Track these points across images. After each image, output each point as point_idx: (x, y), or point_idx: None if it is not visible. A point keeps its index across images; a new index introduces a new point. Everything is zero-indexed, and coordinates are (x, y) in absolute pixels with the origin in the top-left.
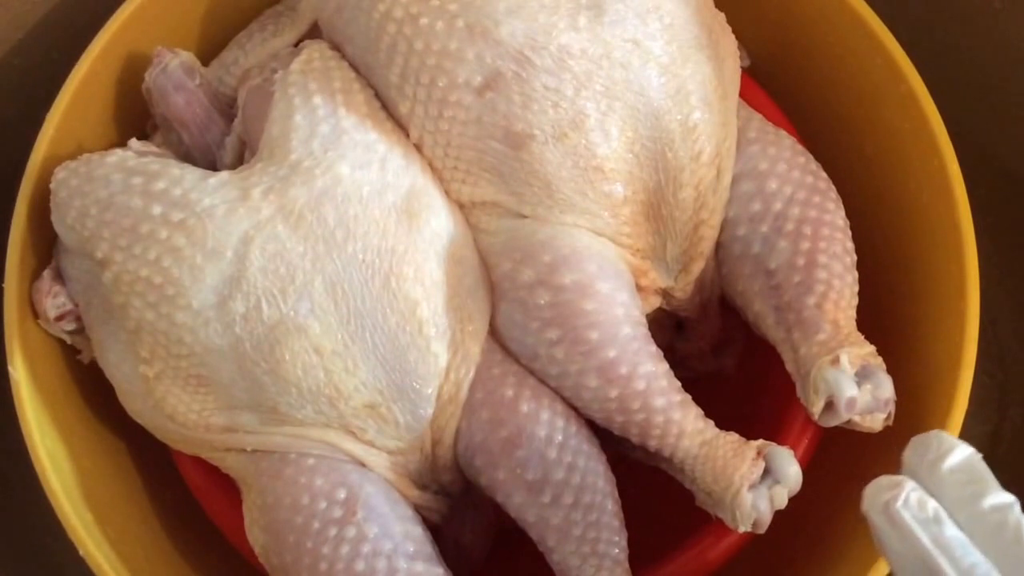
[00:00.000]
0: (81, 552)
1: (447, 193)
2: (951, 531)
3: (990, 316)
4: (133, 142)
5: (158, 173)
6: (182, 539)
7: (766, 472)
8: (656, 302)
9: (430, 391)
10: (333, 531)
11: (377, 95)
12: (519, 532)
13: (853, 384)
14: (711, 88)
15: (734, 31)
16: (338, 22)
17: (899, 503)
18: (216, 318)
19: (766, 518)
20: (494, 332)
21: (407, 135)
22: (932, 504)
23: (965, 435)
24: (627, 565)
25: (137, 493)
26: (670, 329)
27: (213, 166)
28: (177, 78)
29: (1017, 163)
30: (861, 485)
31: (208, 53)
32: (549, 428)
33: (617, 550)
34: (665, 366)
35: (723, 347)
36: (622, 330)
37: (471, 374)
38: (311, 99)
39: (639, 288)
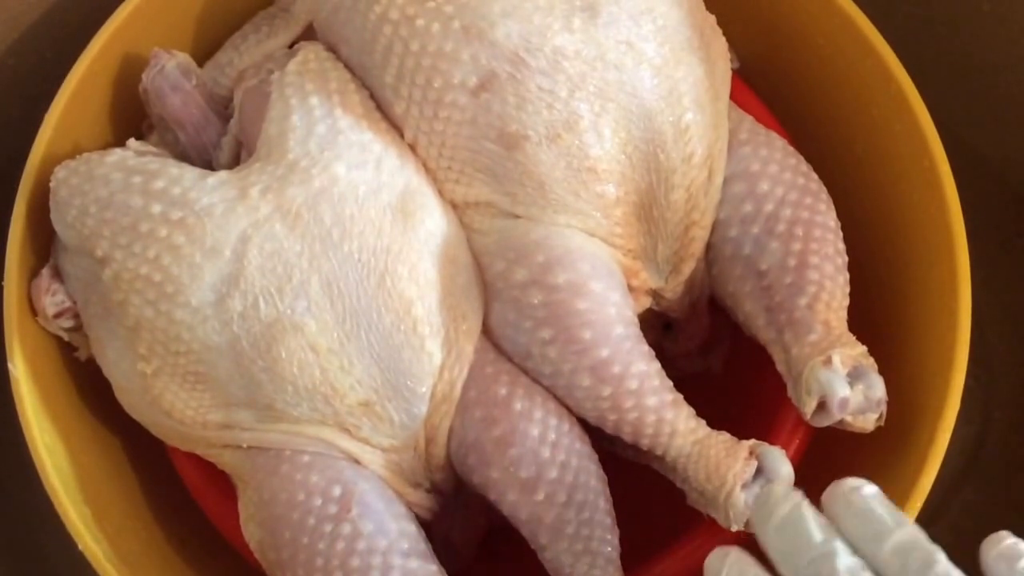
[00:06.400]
0: (80, 547)
1: (441, 193)
2: None
3: (976, 318)
4: (132, 142)
5: (157, 172)
6: (178, 535)
7: (759, 471)
8: (646, 302)
9: (424, 390)
10: (328, 527)
11: (372, 96)
12: (508, 531)
13: (845, 384)
14: (703, 90)
15: (724, 33)
16: (334, 24)
17: None
18: (214, 316)
19: None
20: (487, 331)
21: (402, 136)
22: None
23: (951, 436)
24: (619, 563)
25: (134, 489)
26: (658, 329)
27: (209, 166)
28: (174, 79)
29: (1004, 164)
30: None
31: (204, 54)
32: (542, 427)
33: (609, 548)
34: (657, 365)
35: (710, 347)
36: (615, 329)
37: (465, 373)
38: (308, 100)
39: (630, 288)
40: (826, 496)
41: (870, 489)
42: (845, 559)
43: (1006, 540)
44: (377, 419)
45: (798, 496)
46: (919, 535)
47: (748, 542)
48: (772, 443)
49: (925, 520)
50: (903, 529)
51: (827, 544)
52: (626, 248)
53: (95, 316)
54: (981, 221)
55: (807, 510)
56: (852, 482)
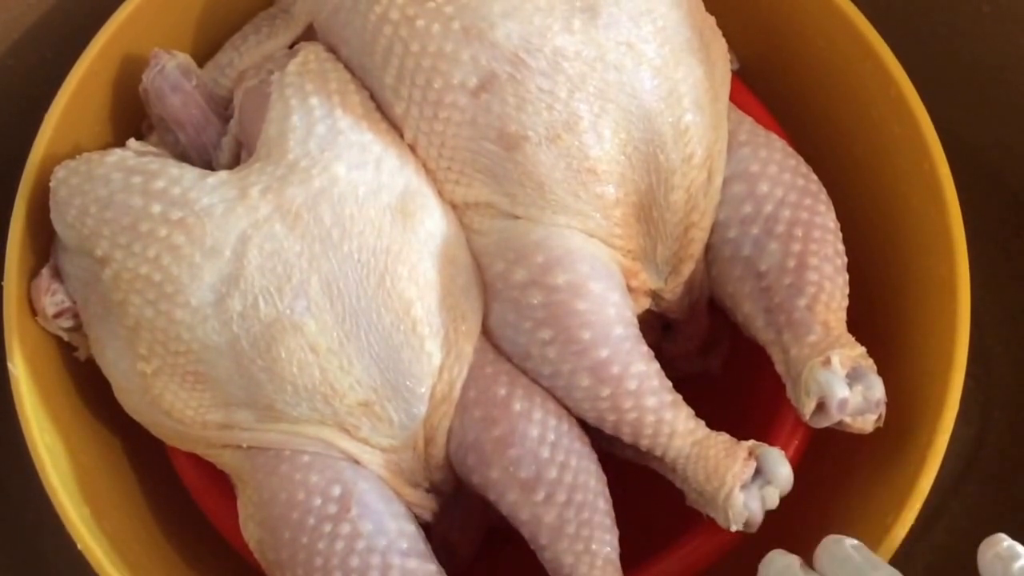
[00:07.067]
0: (79, 546)
1: (441, 194)
2: None
3: (975, 319)
4: (132, 142)
5: (157, 172)
6: (177, 534)
7: (757, 472)
8: (646, 303)
9: (423, 390)
10: (328, 527)
11: (372, 97)
12: (508, 531)
13: (844, 385)
14: (703, 91)
15: (723, 34)
16: (334, 24)
17: None
18: (214, 315)
19: (758, 518)
20: (487, 332)
21: (402, 136)
22: None
23: (950, 438)
24: (619, 564)
25: (133, 488)
26: (657, 330)
27: (209, 166)
28: (174, 79)
29: (1003, 166)
30: (851, 486)
31: (204, 55)
32: (542, 427)
33: (609, 548)
34: (656, 366)
35: (710, 348)
36: (614, 330)
37: (464, 373)
38: (308, 100)
39: (629, 289)
40: (815, 554)
41: (850, 541)
42: None
43: (1003, 542)
44: (376, 419)
45: (792, 557)
46: (896, 573)
47: (745, 543)
48: (771, 444)
49: (924, 521)
50: (881, 570)
51: None
52: (625, 249)
53: (95, 316)
54: (980, 222)
55: (798, 565)
56: (834, 537)
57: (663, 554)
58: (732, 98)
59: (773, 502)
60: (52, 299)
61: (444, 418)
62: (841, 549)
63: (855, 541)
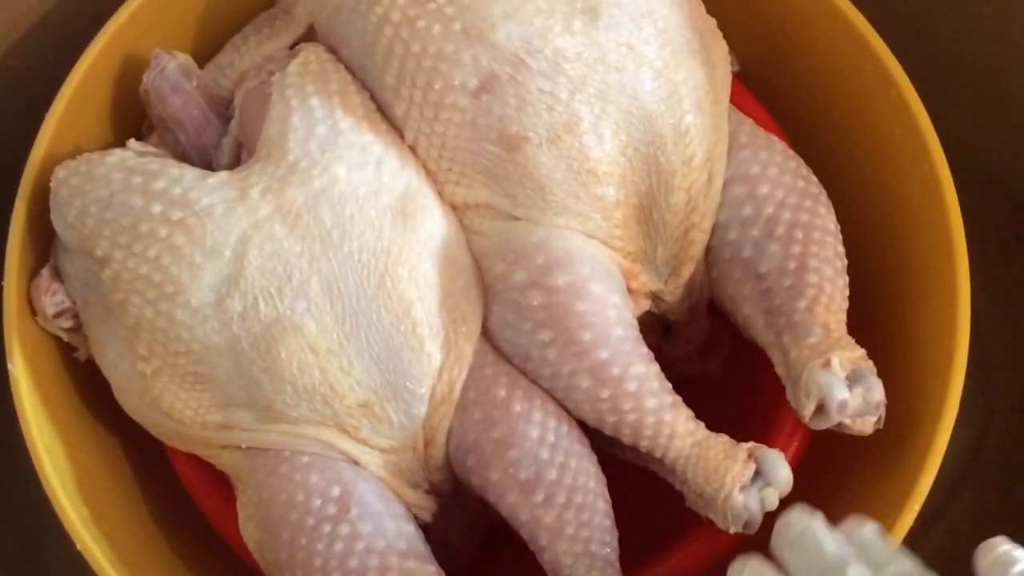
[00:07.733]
0: (79, 546)
1: (441, 195)
2: None
3: (975, 320)
4: (132, 142)
5: (158, 172)
6: (176, 535)
7: (757, 474)
8: (646, 305)
9: (423, 391)
10: (327, 528)
11: (373, 98)
12: (508, 531)
13: (844, 387)
14: (703, 93)
15: (724, 36)
16: (335, 25)
17: None
18: (214, 316)
19: (757, 519)
20: (487, 333)
21: (402, 137)
22: None
23: (949, 440)
24: (618, 565)
25: (133, 489)
26: (657, 332)
27: (209, 167)
28: (175, 80)
29: (1003, 168)
30: (851, 487)
31: (205, 55)
32: (541, 428)
33: (608, 550)
34: (656, 367)
35: (709, 350)
36: (614, 332)
37: (464, 374)
38: (308, 101)
39: (629, 291)
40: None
41: (871, 525)
42: (856, 569)
43: (1000, 547)
44: (376, 420)
45: (815, 516)
46: (916, 565)
47: (745, 544)
48: (771, 446)
49: (924, 522)
50: (901, 559)
51: (839, 556)
52: (626, 250)
53: (95, 316)
54: (980, 225)
55: (821, 527)
56: (855, 518)
57: (663, 555)
58: (732, 100)
59: (772, 504)
60: (52, 299)
61: (444, 419)
62: (862, 534)
63: (874, 525)
